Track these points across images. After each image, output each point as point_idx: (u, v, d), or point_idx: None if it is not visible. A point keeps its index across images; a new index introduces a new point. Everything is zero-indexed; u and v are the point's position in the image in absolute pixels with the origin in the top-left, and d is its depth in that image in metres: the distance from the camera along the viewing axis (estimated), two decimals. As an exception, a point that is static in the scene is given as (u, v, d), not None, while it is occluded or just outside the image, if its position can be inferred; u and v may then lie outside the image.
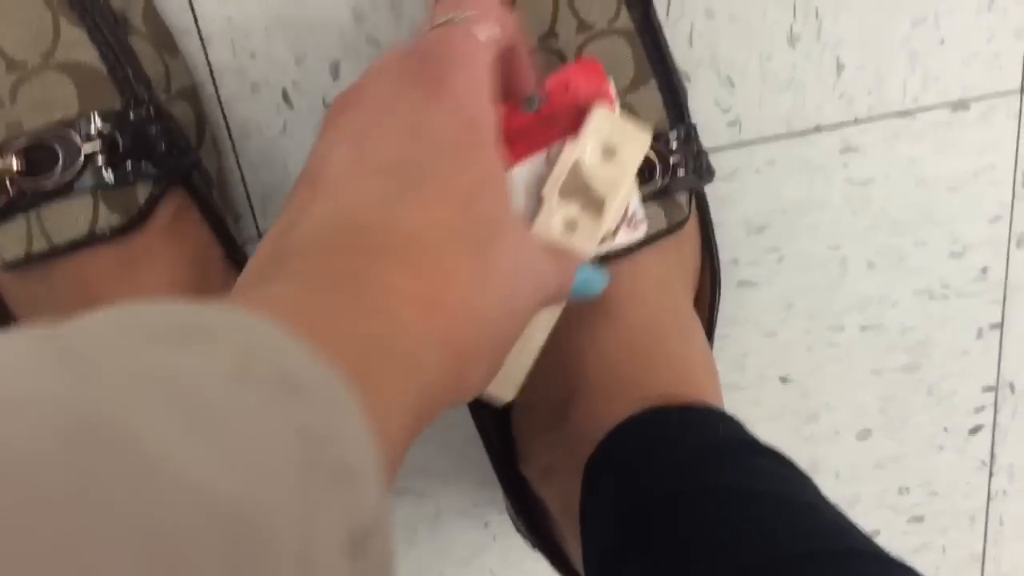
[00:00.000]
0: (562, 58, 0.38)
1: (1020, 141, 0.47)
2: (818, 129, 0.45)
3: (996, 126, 0.47)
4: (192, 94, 0.41)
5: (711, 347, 0.44)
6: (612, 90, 0.37)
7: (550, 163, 0.36)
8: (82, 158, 0.35)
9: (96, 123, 0.35)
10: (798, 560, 0.31)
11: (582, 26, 0.38)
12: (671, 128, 0.40)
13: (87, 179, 0.35)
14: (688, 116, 0.40)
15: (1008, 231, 0.49)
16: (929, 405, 0.53)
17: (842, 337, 0.51)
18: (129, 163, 0.36)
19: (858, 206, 0.47)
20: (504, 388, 0.36)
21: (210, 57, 0.41)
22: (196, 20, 0.40)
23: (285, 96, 0.42)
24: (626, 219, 0.37)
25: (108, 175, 0.35)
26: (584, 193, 0.36)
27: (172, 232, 0.37)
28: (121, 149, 0.36)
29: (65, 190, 0.35)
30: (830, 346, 0.51)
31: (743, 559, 0.31)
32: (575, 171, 0.36)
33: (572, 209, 0.36)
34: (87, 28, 0.35)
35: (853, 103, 0.45)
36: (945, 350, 0.52)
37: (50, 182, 0.35)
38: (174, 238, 0.37)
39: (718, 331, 0.48)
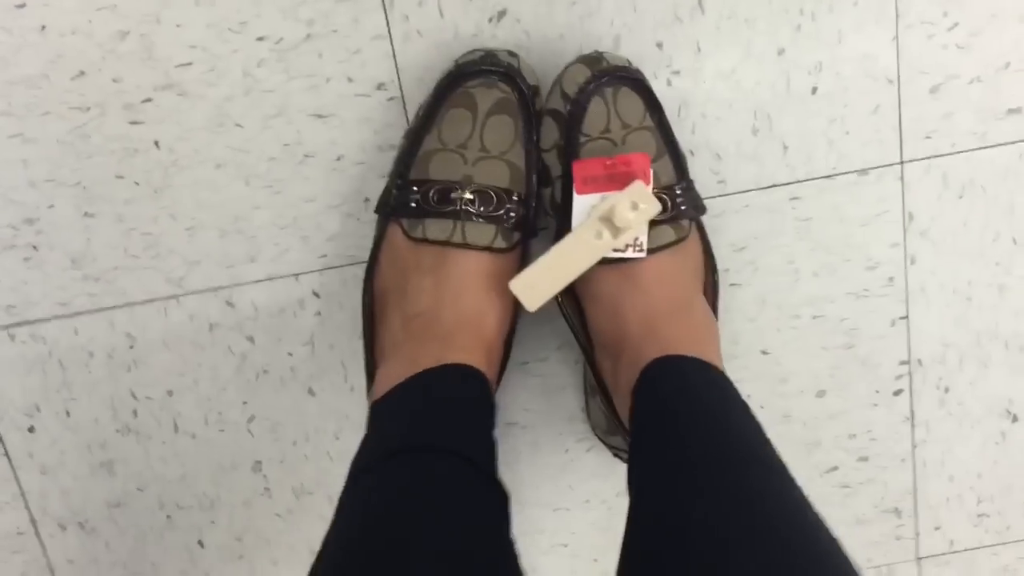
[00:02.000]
0: (614, 143, 0.67)
1: (904, 195, 0.75)
2: (774, 185, 0.74)
3: (888, 185, 0.75)
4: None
5: (716, 322, 0.72)
6: (651, 173, 0.66)
7: (603, 201, 0.65)
8: (504, 209, 0.65)
9: (514, 195, 0.66)
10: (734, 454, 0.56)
11: (624, 125, 0.67)
12: (677, 183, 0.68)
13: (499, 219, 0.66)
14: (687, 175, 0.68)
15: (904, 253, 0.77)
16: (864, 373, 0.80)
17: (799, 323, 0.78)
18: (516, 219, 0.66)
19: (804, 235, 0.76)
20: (532, 301, 0.64)
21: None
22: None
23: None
24: (634, 244, 0.66)
25: (509, 222, 0.66)
26: (612, 223, 0.64)
27: (515, 266, 0.66)
28: (519, 213, 0.66)
29: (485, 220, 0.65)
30: (792, 329, 0.78)
31: (697, 440, 0.57)
32: (611, 210, 0.64)
33: (603, 228, 0.65)
34: (526, 148, 0.66)
35: (796, 169, 0.74)
36: (870, 334, 0.79)
37: (481, 213, 0.65)
38: (515, 270, 0.66)
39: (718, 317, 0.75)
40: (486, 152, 0.65)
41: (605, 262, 0.65)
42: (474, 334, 0.66)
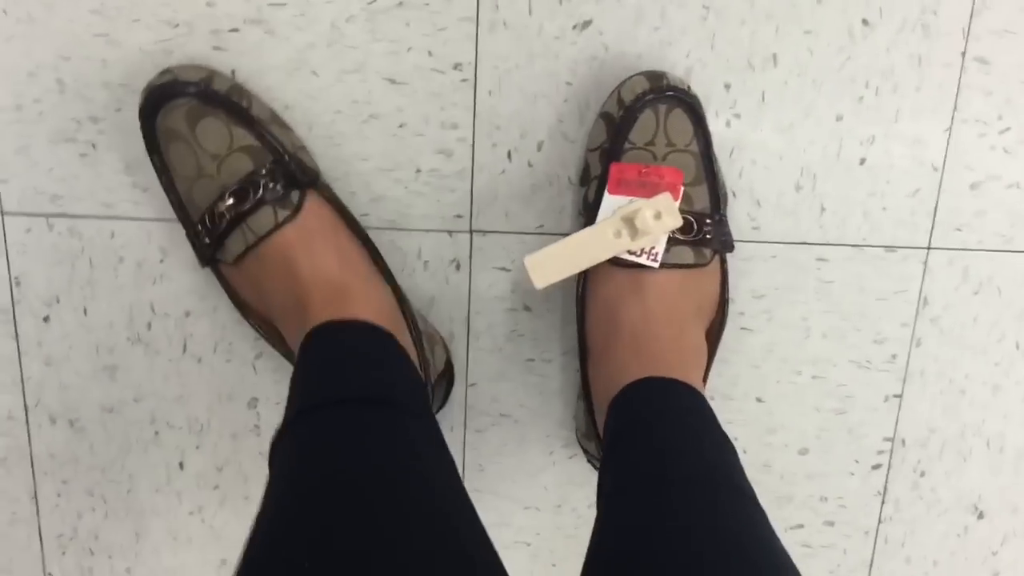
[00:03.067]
0: (654, 156, 0.68)
1: (924, 279, 0.78)
2: (805, 243, 0.77)
3: (911, 266, 0.78)
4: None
5: (711, 363, 0.74)
6: (681, 190, 0.69)
7: (629, 203, 0.68)
8: (261, 189, 0.67)
9: (263, 170, 0.68)
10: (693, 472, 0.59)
11: (669, 143, 0.69)
12: (710, 212, 0.70)
13: (267, 198, 0.68)
14: (721, 210, 0.71)
15: (911, 334, 0.79)
16: (848, 441, 0.83)
17: (799, 380, 0.81)
18: (282, 184, 0.68)
19: (823, 296, 0.78)
20: (541, 279, 0.67)
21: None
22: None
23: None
24: (649, 252, 0.68)
25: (276, 192, 0.68)
26: (632, 225, 0.67)
27: (320, 215, 0.69)
28: (279, 178, 0.68)
29: (256, 207, 0.67)
30: (791, 384, 0.81)
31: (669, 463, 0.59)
32: (634, 213, 0.67)
33: (623, 228, 0.67)
34: (245, 127, 0.68)
35: (828, 232, 0.77)
36: (863, 405, 0.81)
37: (248, 205, 0.67)
38: (323, 218, 0.69)
39: (722, 357, 0.78)
40: (217, 157, 0.68)
41: (618, 263, 0.68)
42: (321, 291, 0.67)
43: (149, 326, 0.79)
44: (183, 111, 0.67)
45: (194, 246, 0.72)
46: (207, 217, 0.69)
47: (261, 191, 0.68)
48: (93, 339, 0.79)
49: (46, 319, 0.78)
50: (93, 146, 0.74)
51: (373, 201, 0.75)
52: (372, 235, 0.74)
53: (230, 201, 0.68)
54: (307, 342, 0.65)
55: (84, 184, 0.75)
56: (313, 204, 0.70)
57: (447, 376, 0.77)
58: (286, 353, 0.74)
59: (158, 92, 0.67)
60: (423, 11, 0.71)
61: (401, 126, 0.73)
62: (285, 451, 0.58)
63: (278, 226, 0.68)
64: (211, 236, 0.69)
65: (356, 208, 0.75)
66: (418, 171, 0.74)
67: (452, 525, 0.53)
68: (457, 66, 0.72)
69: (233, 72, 0.71)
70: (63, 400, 0.81)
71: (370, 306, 0.68)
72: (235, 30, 0.71)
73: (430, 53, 0.72)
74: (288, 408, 0.62)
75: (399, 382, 0.65)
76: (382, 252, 0.73)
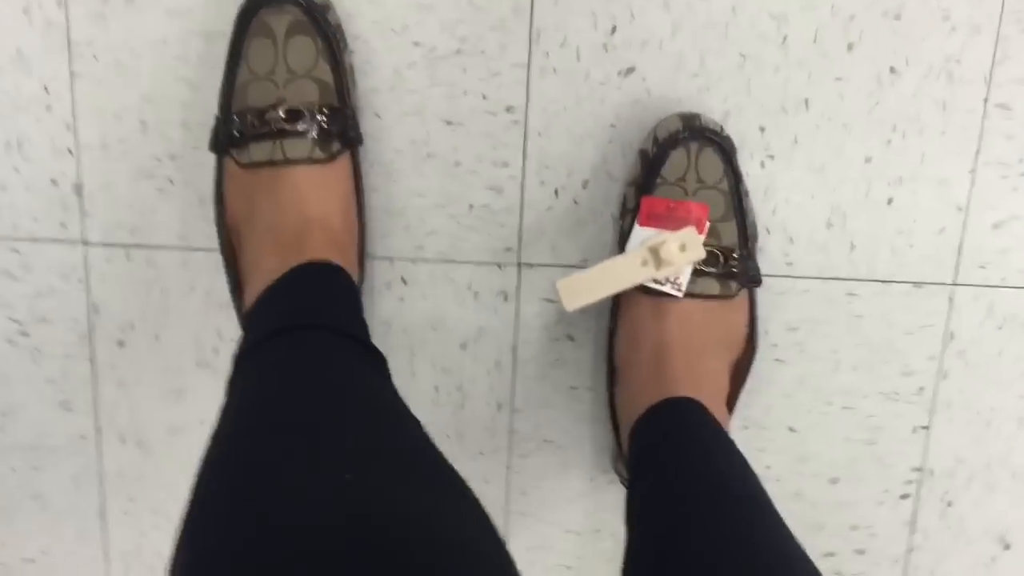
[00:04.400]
0: (685, 192, 0.73)
1: (949, 314, 0.82)
2: (835, 278, 0.81)
3: (937, 302, 0.82)
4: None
5: (738, 393, 0.78)
6: (707, 224, 0.73)
7: (657, 235, 0.72)
8: (314, 122, 0.71)
9: (325, 108, 0.72)
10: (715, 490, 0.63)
11: (699, 180, 0.74)
12: (738, 248, 0.75)
13: (313, 132, 0.71)
14: (750, 246, 0.75)
15: (938, 367, 0.83)
16: (877, 471, 0.86)
17: (830, 410, 0.84)
18: (332, 130, 0.72)
19: (853, 330, 0.82)
20: (571, 302, 0.71)
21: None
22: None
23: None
24: (673, 282, 0.73)
25: (324, 133, 0.71)
26: (658, 255, 0.72)
27: (344, 175, 0.74)
28: (333, 123, 0.72)
29: (301, 135, 0.71)
30: (822, 414, 0.84)
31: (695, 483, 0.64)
32: (661, 244, 0.71)
33: (649, 258, 0.72)
34: (330, 65, 0.72)
35: (858, 268, 0.81)
36: (891, 436, 0.85)
37: (296, 127, 0.71)
38: (345, 176, 0.74)
39: (756, 387, 0.82)
40: (293, 73, 0.72)
41: (644, 291, 0.73)
42: (322, 235, 0.71)
43: (216, 351, 0.84)
44: (288, 18, 0.71)
45: (216, 131, 0.74)
46: (250, 115, 0.71)
47: (313, 124, 0.71)
48: (163, 363, 0.84)
49: (121, 344, 0.84)
50: (171, 182, 0.80)
51: (428, 235, 0.80)
52: (426, 266, 0.79)
53: (282, 115, 0.71)
54: (297, 270, 0.68)
55: (161, 217, 0.80)
56: (344, 161, 0.74)
57: None
58: (229, 263, 0.76)
59: None
60: (479, 58, 0.76)
61: (456, 164, 0.79)
62: (247, 371, 0.61)
63: (308, 161, 0.71)
64: (243, 132, 0.71)
65: (412, 240, 0.80)
66: (471, 207, 0.79)
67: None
68: (509, 109, 0.78)
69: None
70: (133, 421, 0.86)
71: (354, 265, 0.74)
72: (305, 75, 0.77)
73: (484, 96, 0.77)
74: (256, 324, 0.66)
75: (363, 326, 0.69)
76: (435, 284, 0.78)
